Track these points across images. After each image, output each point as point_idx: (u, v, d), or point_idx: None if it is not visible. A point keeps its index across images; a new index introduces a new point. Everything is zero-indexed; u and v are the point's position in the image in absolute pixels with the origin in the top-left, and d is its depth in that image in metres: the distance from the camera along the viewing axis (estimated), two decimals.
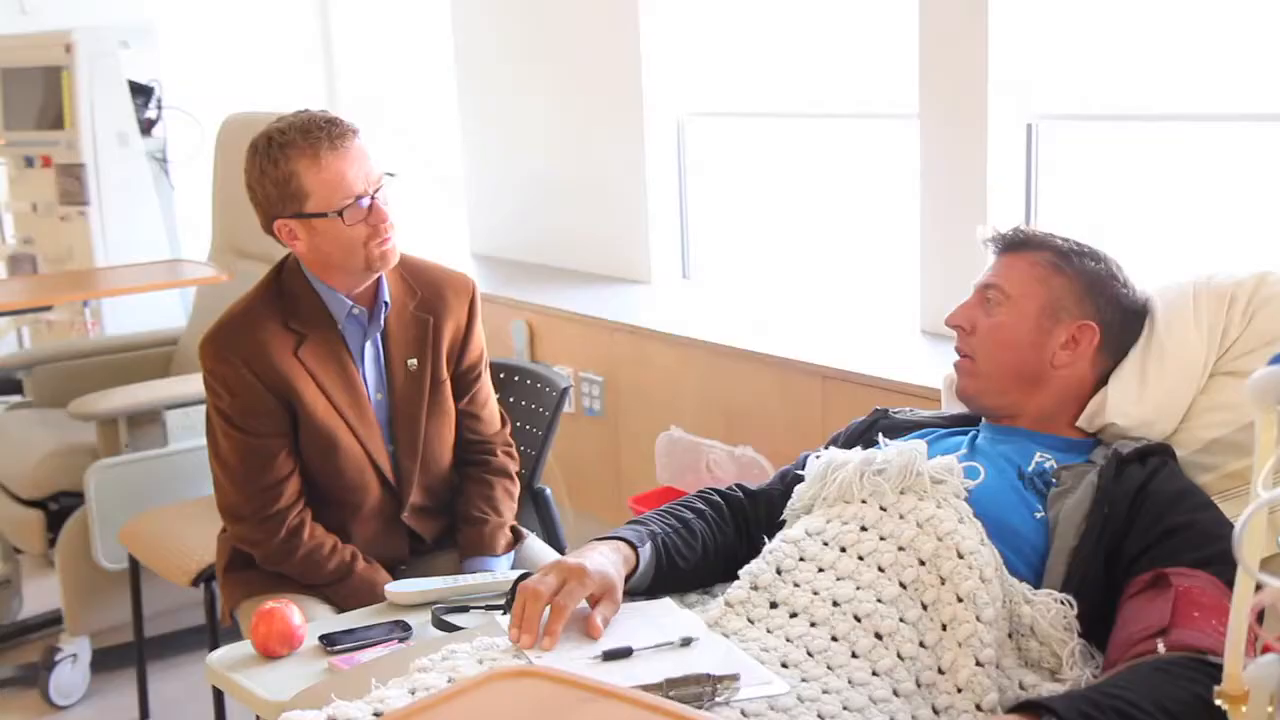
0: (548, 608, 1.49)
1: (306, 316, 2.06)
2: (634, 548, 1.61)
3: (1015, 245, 1.75)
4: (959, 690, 1.40)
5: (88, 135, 4.12)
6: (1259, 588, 0.96)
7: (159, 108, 4.44)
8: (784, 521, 1.69)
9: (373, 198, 2.00)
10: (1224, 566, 1.39)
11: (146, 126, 4.36)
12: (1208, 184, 2.68)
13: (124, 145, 4.21)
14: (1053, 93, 2.82)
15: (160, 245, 4.28)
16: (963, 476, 1.57)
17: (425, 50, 4.85)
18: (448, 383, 2.18)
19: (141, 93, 4.35)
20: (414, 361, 2.13)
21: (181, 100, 4.45)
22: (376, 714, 1.35)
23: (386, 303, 2.10)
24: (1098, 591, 1.49)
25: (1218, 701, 1.03)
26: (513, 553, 2.20)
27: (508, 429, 2.32)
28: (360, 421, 2.08)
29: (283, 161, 1.95)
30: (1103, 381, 1.72)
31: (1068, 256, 1.72)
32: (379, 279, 2.09)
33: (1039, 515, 1.57)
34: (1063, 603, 1.47)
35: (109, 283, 3.71)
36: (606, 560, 1.56)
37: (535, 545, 2.28)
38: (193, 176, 4.30)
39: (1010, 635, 1.47)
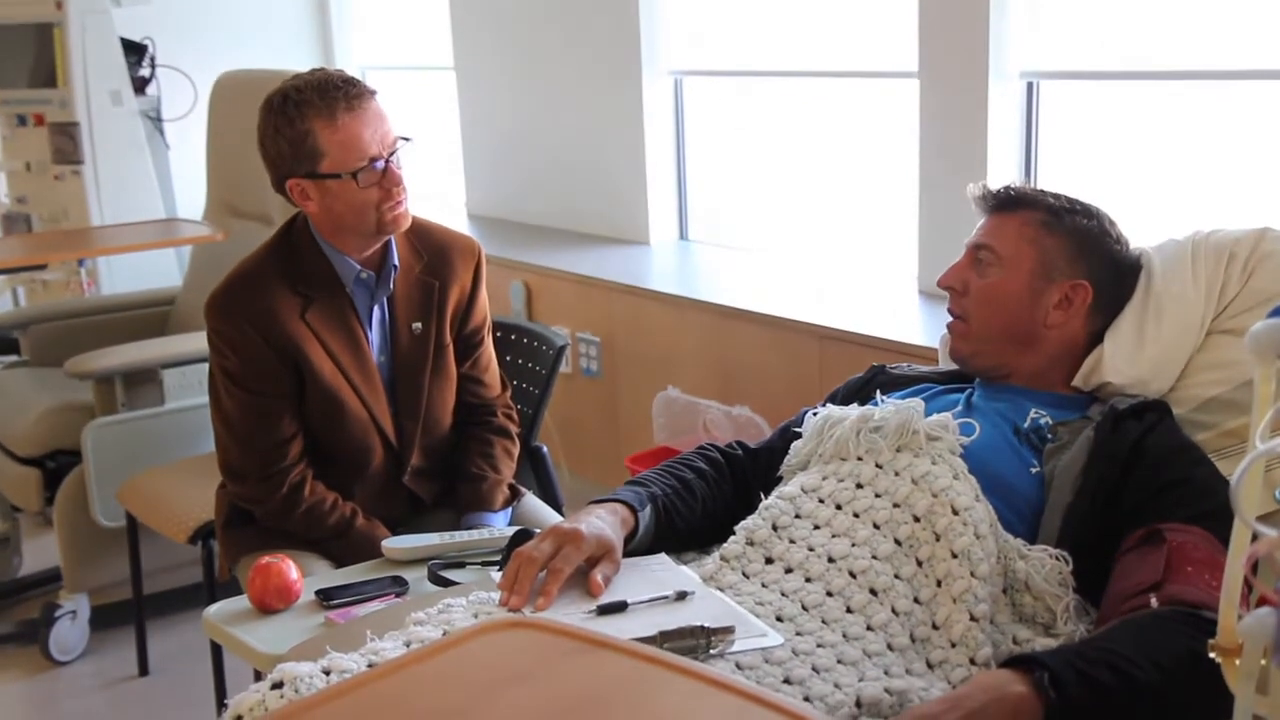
0: (542, 573, 1.48)
1: (314, 279, 2.05)
2: (633, 510, 1.60)
3: (1006, 204, 1.73)
4: (953, 645, 1.40)
5: (81, 93, 4.10)
6: (1255, 539, 0.96)
7: (152, 66, 4.41)
8: (781, 477, 1.69)
9: (387, 161, 1.98)
10: (1218, 522, 1.38)
11: (140, 85, 4.33)
12: (1208, 141, 2.66)
13: (117, 104, 4.18)
14: (1053, 50, 2.79)
15: (155, 204, 4.26)
16: (958, 433, 1.56)
17: (422, 8, 4.81)
18: (450, 347, 2.17)
19: (134, 50, 4.32)
20: (419, 325, 2.12)
21: (175, 58, 4.41)
22: (371, 665, 1.35)
23: (395, 266, 2.09)
24: (1093, 547, 1.48)
25: (1211, 655, 1.03)
26: (510, 509, 2.20)
27: (508, 393, 2.31)
28: (365, 385, 2.08)
29: (298, 120, 1.93)
30: (1096, 339, 1.71)
31: (1059, 215, 1.70)
32: (388, 242, 2.08)
33: (1034, 470, 1.57)
34: (1057, 558, 1.47)
35: (104, 241, 3.70)
36: (604, 523, 1.55)
37: (532, 503, 2.28)
38: (187, 135, 4.28)
39: (1005, 591, 1.47)
